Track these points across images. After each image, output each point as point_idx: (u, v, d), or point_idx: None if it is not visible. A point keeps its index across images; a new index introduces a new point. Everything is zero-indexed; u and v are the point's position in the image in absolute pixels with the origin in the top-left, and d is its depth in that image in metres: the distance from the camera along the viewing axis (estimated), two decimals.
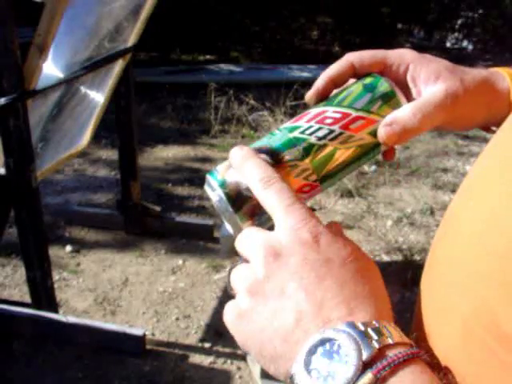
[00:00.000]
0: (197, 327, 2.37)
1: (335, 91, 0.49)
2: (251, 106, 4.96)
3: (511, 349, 0.32)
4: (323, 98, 0.48)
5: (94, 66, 2.24)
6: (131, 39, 2.52)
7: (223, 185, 0.43)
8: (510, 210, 0.33)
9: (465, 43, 9.25)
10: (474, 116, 0.51)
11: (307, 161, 0.44)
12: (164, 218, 3.13)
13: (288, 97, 4.84)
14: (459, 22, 9.22)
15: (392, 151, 0.50)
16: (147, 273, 2.76)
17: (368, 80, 0.47)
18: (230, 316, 0.39)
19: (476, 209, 0.38)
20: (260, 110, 4.91)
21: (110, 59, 2.39)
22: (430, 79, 0.48)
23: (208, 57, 7.56)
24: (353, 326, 0.34)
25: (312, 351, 0.34)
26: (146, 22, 2.48)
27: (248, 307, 0.38)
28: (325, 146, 0.44)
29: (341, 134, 0.44)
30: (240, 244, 0.41)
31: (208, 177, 0.44)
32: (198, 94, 5.45)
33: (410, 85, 0.49)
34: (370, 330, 0.33)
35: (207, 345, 2.26)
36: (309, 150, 0.44)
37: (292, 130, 0.45)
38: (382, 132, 0.45)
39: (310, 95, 0.49)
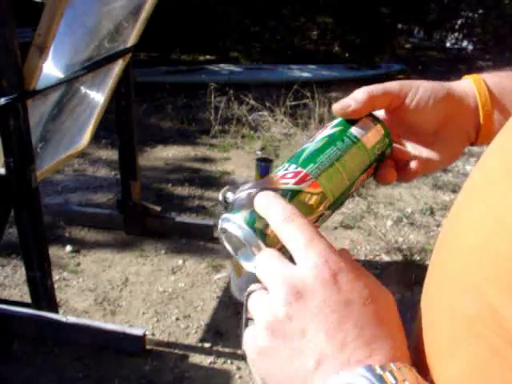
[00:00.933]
0: (197, 327, 2.37)
1: None
2: (251, 106, 4.96)
3: None
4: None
5: (94, 66, 2.24)
6: (131, 39, 2.52)
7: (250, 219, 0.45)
8: None
9: (465, 43, 9.26)
10: (438, 121, 0.55)
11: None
12: (164, 218, 3.13)
13: (288, 97, 4.84)
14: (459, 22, 9.22)
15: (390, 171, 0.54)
16: (147, 273, 2.76)
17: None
18: (251, 349, 0.39)
19: (480, 210, 0.37)
20: (260, 110, 4.91)
21: (110, 59, 2.39)
22: None
23: (208, 57, 7.57)
24: (371, 369, 0.34)
25: None
26: (146, 22, 2.48)
27: (268, 346, 0.38)
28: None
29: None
30: (261, 271, 0.41)
31: (228, 215, 0.45)
32: (198, 94, 5.46)
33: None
34: (387, 374, 0.34)
35: (207, 345, 2.26)
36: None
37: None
38: (334, 106, 0.52)
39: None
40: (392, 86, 0.54)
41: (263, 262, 0.41)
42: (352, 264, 0.40)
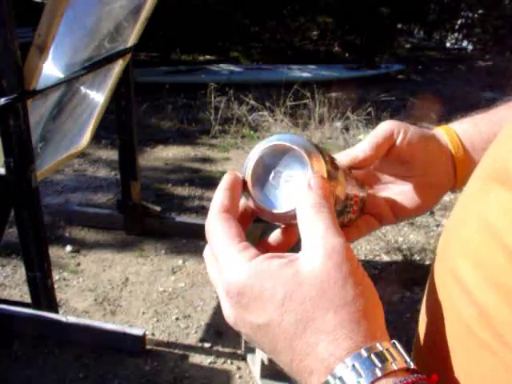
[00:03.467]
0: (197, 327, 2.37)
1: None
2: (251, 106, 4.96)
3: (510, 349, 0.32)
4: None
5: (94, 66, 2.24)
6: (131, 39, 2.52)
7: None
8: (505, 219, 0.34)
9: (464, 43, 9.27)
10: (428, 167, 0.54)
11: None
12: (164, 218, 3.13)
13: (288, 97, 4.84)
14: (459, 22, 9.23)
15: None
16: (147, 273, 2.76)
17: None
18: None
19: (473, 215, 0.38)
20: (260, 110, 4.91)
21: (110, 59, 2.39)
22: None
23: (208, 57, 7.57)
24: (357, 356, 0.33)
25: None
26: (146, 23, 2.48)
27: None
28: None
29: None
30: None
31: None
32: (197, 94, 5.46)
33: None
34: (358, 365, 0.33)
35: (207, 345, 2.26)
36: None
37: None
38: (340, 155, 0.52)
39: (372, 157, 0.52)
40: (386, 129, 0.53)
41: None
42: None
